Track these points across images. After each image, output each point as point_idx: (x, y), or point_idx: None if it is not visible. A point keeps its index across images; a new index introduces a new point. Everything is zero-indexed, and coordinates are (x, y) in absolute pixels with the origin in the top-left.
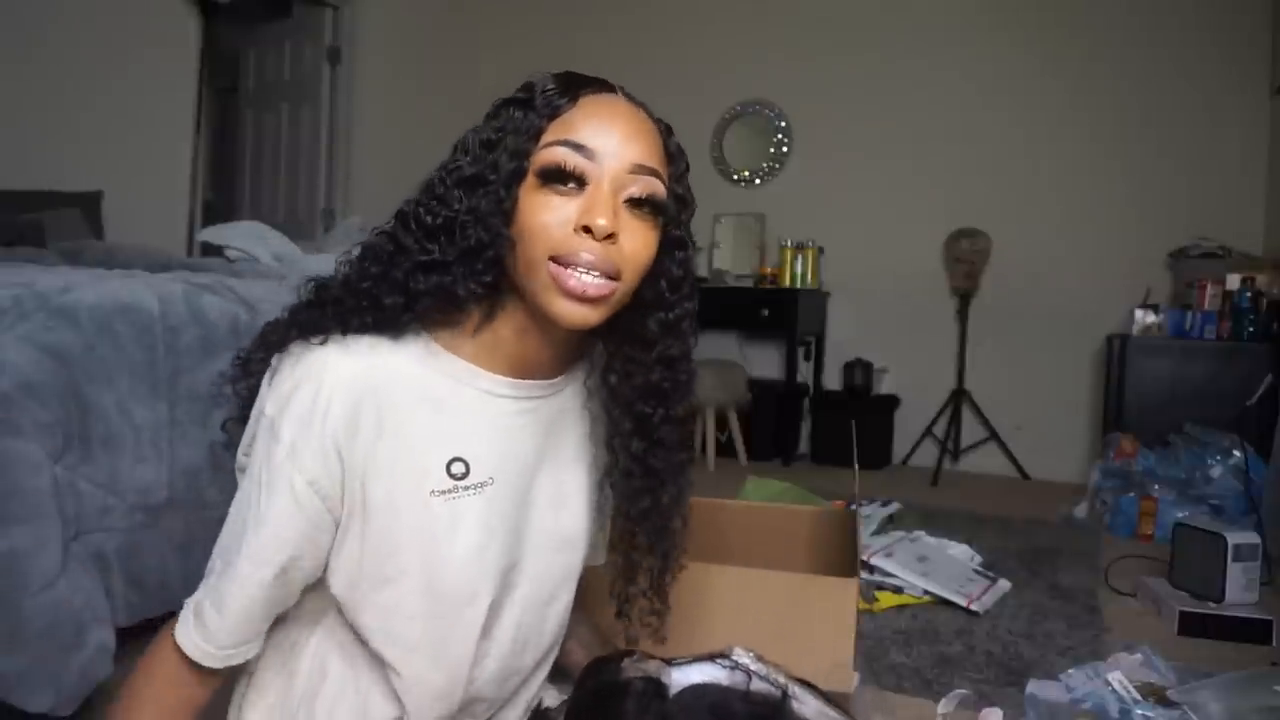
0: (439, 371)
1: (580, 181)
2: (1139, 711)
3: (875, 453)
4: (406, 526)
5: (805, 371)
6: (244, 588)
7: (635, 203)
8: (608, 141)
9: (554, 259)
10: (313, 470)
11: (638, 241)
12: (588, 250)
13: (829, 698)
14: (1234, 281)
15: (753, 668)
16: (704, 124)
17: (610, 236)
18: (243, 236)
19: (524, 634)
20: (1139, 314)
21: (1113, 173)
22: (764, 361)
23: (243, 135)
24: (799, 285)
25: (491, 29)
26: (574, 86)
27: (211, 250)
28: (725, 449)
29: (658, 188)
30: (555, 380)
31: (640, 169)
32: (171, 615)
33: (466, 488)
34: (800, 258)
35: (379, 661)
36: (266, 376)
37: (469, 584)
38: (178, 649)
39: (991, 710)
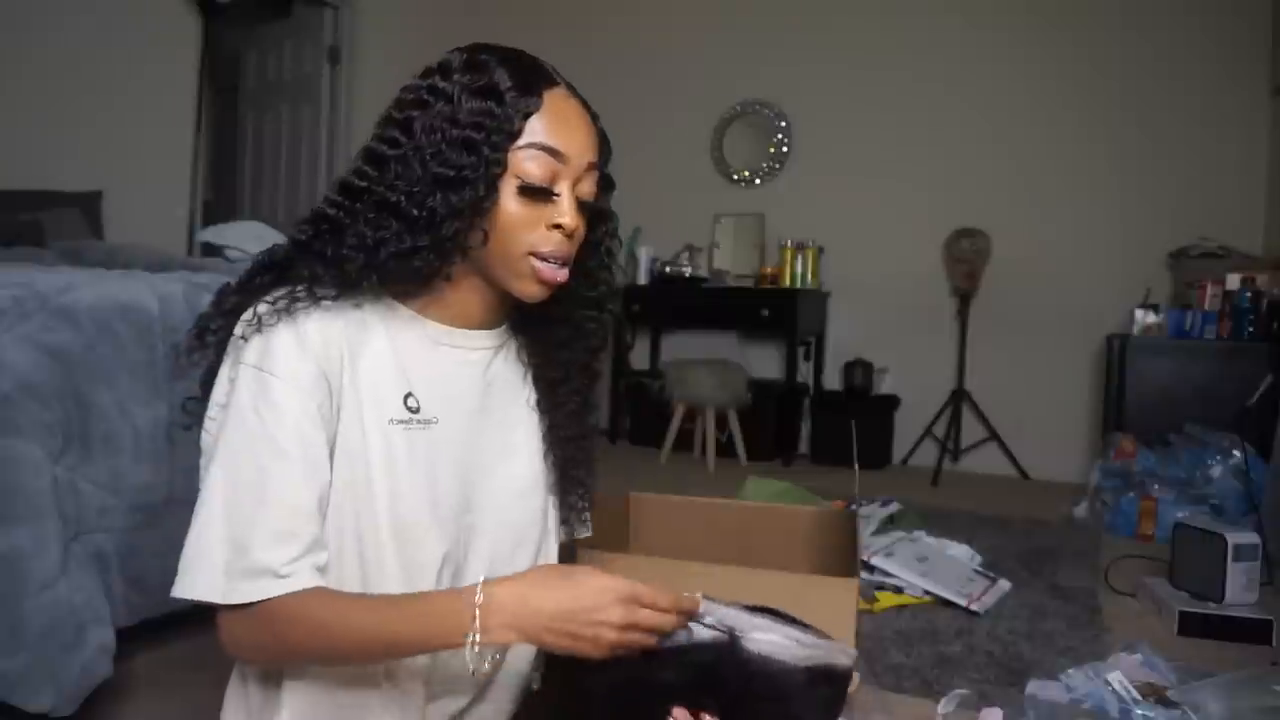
0: (393, 321)
1: (552, 189)
2: (1139, 711)
3: (875, 453)
4: (374, 452)
5: (805, 371)
6: (294, 514)
7: (581, 204)
8: (573, 144)
9: (530, 253)
10: (316, 396)
11: (581, 230)
12: (556, 245)
13: (801, 623)
14: (1234, 281)
15: (699, 612)
16: (704, 124)
17: (572, 233)
18: (242, 236)
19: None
20: (1139, 314)
21: (1113, 173)
22: (764, 361)
23: (243, 135)
24: (799, 285)
25: (492, 29)
26: (534, 84)
27: (211, 250)
28: (725, 449)
29: (597, 182)
30: (496, 331)
31: (592, 167)
32: (170, 616)
33: (419, 422)
34: (800, 258)
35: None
36: (232, 341)
37: (426, 513)
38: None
39: (991, 710)
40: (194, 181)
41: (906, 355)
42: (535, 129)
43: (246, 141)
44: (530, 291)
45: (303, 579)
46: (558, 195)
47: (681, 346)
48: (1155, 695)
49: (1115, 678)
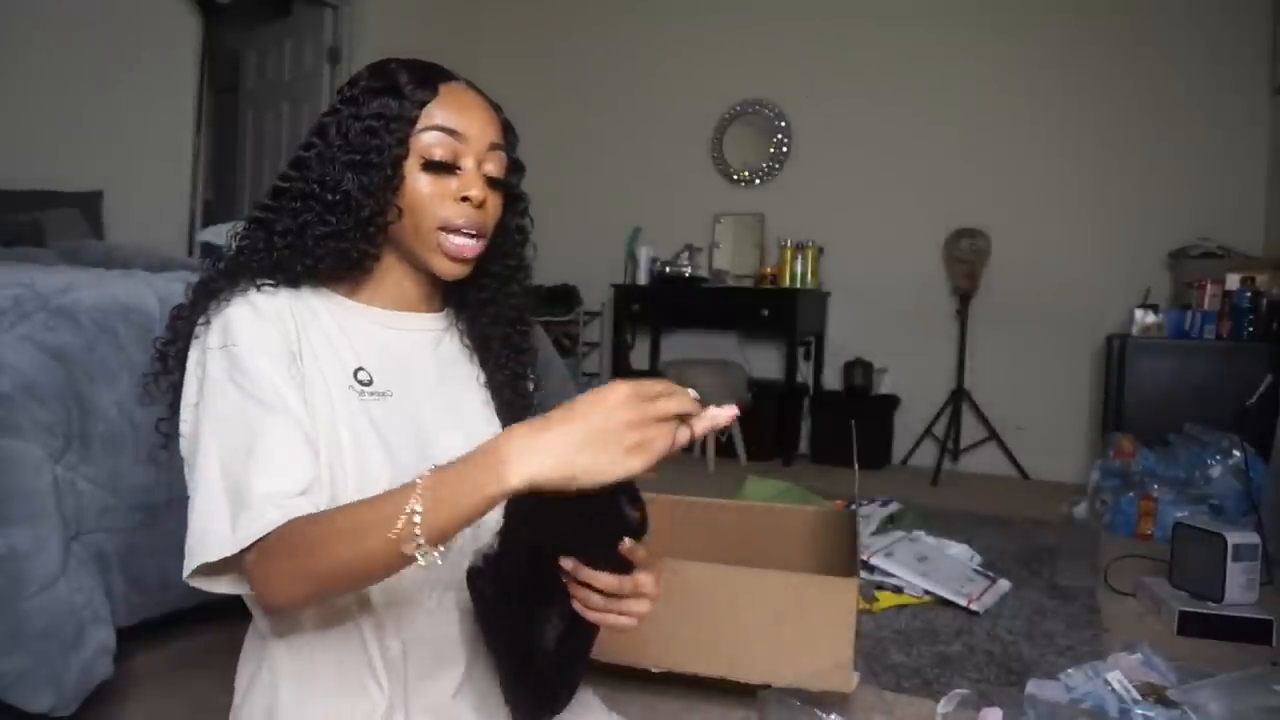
0: (336, 308)
1: (455, 164)
2: (1139, 711)
3: (875, 453)
4: (339, 418)
5: (805, 371)
6: (292, 463)
7: (491, 181)
8: (471, 126)
9: (440, 227)
10: (283, 360)
11: (495, 206)
12: (466, 216)
13: None
14: (1234, 281)
15: None
16: (704, 124)
17: (481, 204)
18: None
19: (460, 543)
20: (1139, 314)
21: (1113, 172)
22: (764, 361)
23: (243, 135)
24: (799, 285)
25: (491, 29)
26: (430, 78)
27: (211, 250)
28: (725, 449)
29: (504, 161)
30: (438, 315)
31: (495, 146)
32: (170, 615)
33: (373, 393)
34: (800, 258)
35: None
36: (194, 342)
37: (389, 480)
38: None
39: (991, 710)
40: (194, 181)
41: (906, 355)
42: (433, 114)
43: (246, 141)
44: (444, 267)
45: (304, 509)
46: (461, 170)
47: (681, 346)
48: (1155, 695)
49: (1115, 677)
